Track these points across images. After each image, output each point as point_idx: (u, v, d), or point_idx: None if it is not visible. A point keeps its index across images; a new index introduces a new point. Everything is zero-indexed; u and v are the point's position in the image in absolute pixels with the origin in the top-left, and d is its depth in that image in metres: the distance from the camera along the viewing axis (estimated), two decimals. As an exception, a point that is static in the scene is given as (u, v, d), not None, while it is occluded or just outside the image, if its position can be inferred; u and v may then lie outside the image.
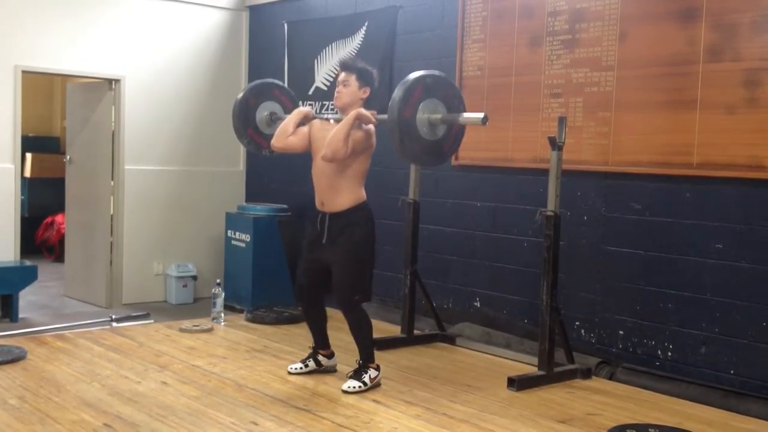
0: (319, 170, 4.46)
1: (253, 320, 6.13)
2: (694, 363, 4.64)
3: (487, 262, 5.79)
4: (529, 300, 5.38)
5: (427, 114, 4.25)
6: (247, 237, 7.07)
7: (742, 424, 4.10)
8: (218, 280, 6.28)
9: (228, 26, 7.89)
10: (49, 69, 7.10)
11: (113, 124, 7.31)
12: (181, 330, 5.75)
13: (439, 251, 6.07)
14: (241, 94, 5.17)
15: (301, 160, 4.61)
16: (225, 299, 6.22)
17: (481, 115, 4.26)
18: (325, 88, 7.02)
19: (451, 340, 5.57)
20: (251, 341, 5.52)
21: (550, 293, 4.66)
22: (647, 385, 4.64)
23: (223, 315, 6.10)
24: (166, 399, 4.17)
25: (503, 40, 5.63)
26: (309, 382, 4.55)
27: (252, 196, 7.98)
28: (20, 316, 6.57)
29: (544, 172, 4.85)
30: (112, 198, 7.34)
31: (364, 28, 6.69)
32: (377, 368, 4.52)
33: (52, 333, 5.81)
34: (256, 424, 3.83)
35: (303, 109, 4.71)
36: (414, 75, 4.26)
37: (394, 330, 5.71)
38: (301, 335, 5.73)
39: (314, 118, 4.66)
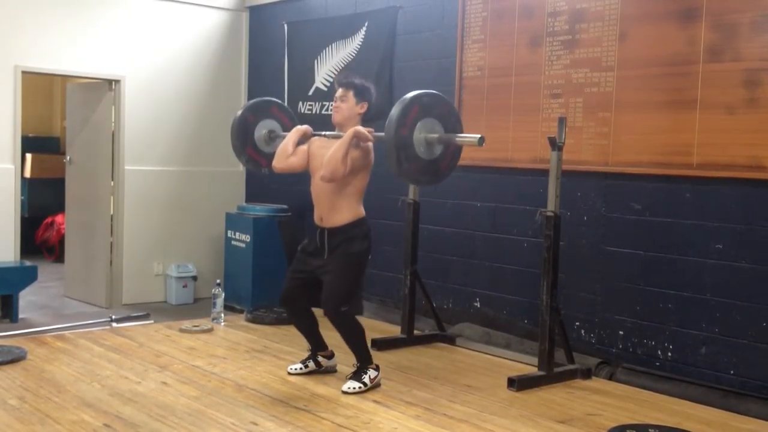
0: (318, 188, 4.46)
1: (253, 320, 6.13)
2: (694, 363, 4.64)
3: (487, 262, 5.79)
4: (529, 300, 5.38)
5: (424, 133, 4.25)
6: (247, 237, 7.07)
7: (742, 424, 4.10)
8: (218, 281, 6.28)
9: (228, 27, 7.89)
10: (49, 69, 7.11)
11: (113, 124, 7.31)
12: (181, 330, 5.75)
13: (439, 251, 6.07)
14: (239, 112, 5.15)
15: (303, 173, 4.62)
16: (225, 299, 6.22)
17: (477, 136, 4.25)
18: (325, 89, 7.02)
19: (451, 340, 5.57)
20: (251, 341, 5.52)
21: (550, 293, 4.66)
22: (647, 386, 4.64)
23: (223, 315, 6.10)
24: (166, 399, 4.17)
25: (503, 41, 5.63)
26: (309, 382, 4.55)
27: (252, 196, 7.99)
28: (20, 316, 6.57)
29: (544, 173, 4.85)
30: (112, 198, 7.34)
31: (364, 28, 6.69)
32: (376, 368, 4.52)
33: (52, 333, 5.81)
34: (256, 424, 3.84)
35: (301, 127, 4.68)
36: (411, 94, 4.28)
37: (394, 330, 5.71)
38: (301, 335, 5.73)
39: (313, 135, 4.66)
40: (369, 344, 5.19)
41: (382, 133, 4.26)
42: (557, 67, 5.30)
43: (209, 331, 5.81)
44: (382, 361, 4.87)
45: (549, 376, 4.64)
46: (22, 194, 7.38)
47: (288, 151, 4.55)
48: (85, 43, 7.12)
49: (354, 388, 4.37)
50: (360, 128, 4.36)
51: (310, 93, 7.21)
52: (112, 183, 7.33)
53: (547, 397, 4.40)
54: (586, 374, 4.78)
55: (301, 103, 7.26)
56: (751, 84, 4.38)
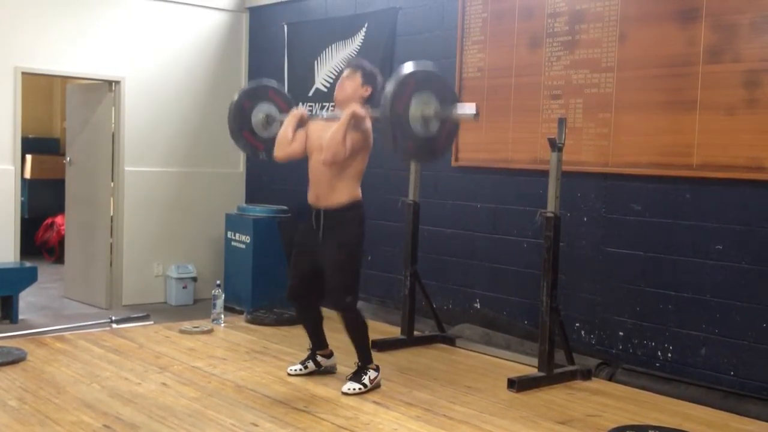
0: (317, 168, 4.44)
1: (252, 321, 6.13)
2: (694, 364, 4.64)
3: (487, 263, 5.79)
4: (529, 301, 5.38)
5: (420, 108, 4.23)
6: (247, 238, 7.07)
7: (742, 425, 4.10)
8: (218, 282, 6.28)
9: (228, 27, 7.89)
10: (48, 70, 7.10)
11: (113, 125, 7.31)
12: (181, 331, 5.75)
13: (439, 252, 6.07)
14: (235, 97, 5.13)
15: (301, 161, 4.60)
16: (225, 300, 6.21)
17: (473, 109, 4.25)
18: (326, 90, 7.02)
19: (451, 341, 5.57)
20: (251, 342, 5.52)
21: (550, 294, 4.66)
22: (647, 386, 4.64)
23: (222, 316, 6.10)
24: (166, 400, 4.17)
25: (503, 41, 5.63)
26: (309, 383, 4.55)
27: (252, 197, 7.99)
28: (20, 317, 6.57)
29: (544, 173, 4.85)
30: (112, 199, 7.34)
31: (364, 29, 6.70)
32: (376, 369, 4.52)
33: (52, 334, 5.81)
34: (255, 425, 3.83)
35: (297, 112, 4.67)
36: (406, 69, 4.23)
37: (394, 331, 5.71)
38: (301, 336, 5.71)
39: (310, 118, 4.65)
40: (370, 345, 5.21)
41: (378, 112, 4.23)
42: (557, 68, 5.30)
43: (209, 332, 5.80)
44: (382, 362, 4.87)
45: (549, 377, 4.64)
46: (22, 195, 7.38)
47: (288, 138, 4.54)
48: (85, 44, 7.12)
49: (354, 389, 4.37)
50: (357, 107, 4.33)
51: (310, 94, 7.21)
52: (112, 184, 7.33)
53: (547, 398, 4.40)
54: (586, 375, 4.78)
55: (301, 104, 7.25)
56: (751, 85, 4.38)
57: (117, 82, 7.27)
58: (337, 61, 6.94)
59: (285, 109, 5.08)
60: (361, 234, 4.46)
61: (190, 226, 7.74)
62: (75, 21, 7.06)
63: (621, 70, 4.97)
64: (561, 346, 4.81)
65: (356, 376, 4.45)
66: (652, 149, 4.82)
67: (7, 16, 6.73)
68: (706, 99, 4.56)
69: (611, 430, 3.89)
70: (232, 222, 7.29)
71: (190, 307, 7.35)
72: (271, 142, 4.99)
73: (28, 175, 9.81)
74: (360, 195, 4.45)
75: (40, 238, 9.84)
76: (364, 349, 4.52)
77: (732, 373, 4.48)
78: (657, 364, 4.80)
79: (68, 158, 7.82)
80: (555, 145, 4.65)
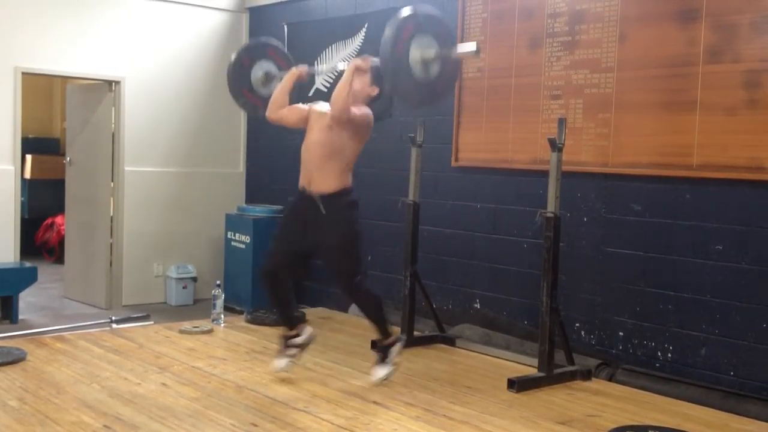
0: (311, 149, 4.41)
1: (253, 321, 6.12)
2: (694, 364, 4.64)
3: (487, 263, 5.79)
4: (529, 301, 5.38)
5: (420, 51, 4.22)
6: (246, 238, 7.07)
7: (742, 425, 4.09)
8: (218, 282, 6.28)
9: (228, 28, 7.90)
10: (48, 70, 7.11)
11: (113, 125, 7.32)
12: (181, 331, 5.75)
13: (439, 252, 6.07)
14: (234, 55, 5.13)
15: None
16: (225, 300, 6.21)
17: (473, 45, 4.25)
18: (326, 90, 7.02)
19: (451, 341, 5.57)
20: (251, 342, 5.51)
21: (550, 294, 4.66)
22: (647, 387, 4.64)
23: (222, 316, 6.09)
24: (166, 400, 4.16)
25: (503, 42, 5.63)
26: (309, 383, 4.55)
27: (252, 197, 7.99)
28: (20, 317, 6.58)
29: (544, 174, 4.85)
30: (112, 199, 7.34)
31: (364, 29, 6.70)
32: (396, 340, 4.60)
33: (52, 334, 5.81)
34: (255, 425, 3.83)
35: (296, 70, 4.66)
36: (404, 12, 4.20)
37: (394, 331, 5.70)
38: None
39: (308, 74, 4.68)
40: (370, 345, 5.22)
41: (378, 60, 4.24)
42: (557, 68, 5.30)
43: (209, 332, 5.80)
44: (382, 362, 4.88)
45: (549, 377, 4.64)
46: (22, 195, 7.38)
47: (279, 101, 4.54)
48: (85, 44, 7.12)
49: (385, 373, 4.49)
50: (357, 60, 4.34)
51: (311, 94, 7.21)
52: (112, 184, 7.33)
53: (547, 399, 4.40)
54: (586, 375, 4.78)
55: (301, 104, 7.25)
56: (751, 85, 4.38)
57: (117, 82, 7.27)
58: (338, 62, 6.93)
59: (285, 66, 5.07)
60: (356, 217, 4.45)
61: (190, 226, 7.74)
62: (75, 21, 7.06)
63: (621, 70, 4.97)
64: (561, 346, 4.80)
65: (381, 359, 4.54)
66: (652, 149, 4.82)
67: (7, 16, 6.73)
68: (706, 99, 4.56)
69: (611, 430, 3.88)
70: (232, 222, 7.29)
71: (190, 307, 7.35)
72: (269, 100, 5.05)
73: (28, 175, 9.82)
74: (350, 183, 4.43)
75: (40, 238, 9.85)
76: (381, 323, 4.59)
77: (732, 373, 4.48)
78: (657, 365, 4.80)
79: (68, 158, 7.82)
80: (555, 146, 4.65)
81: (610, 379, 4.83)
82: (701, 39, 4.58)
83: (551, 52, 5.34)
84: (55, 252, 9.62)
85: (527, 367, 4.90)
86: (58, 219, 9.56)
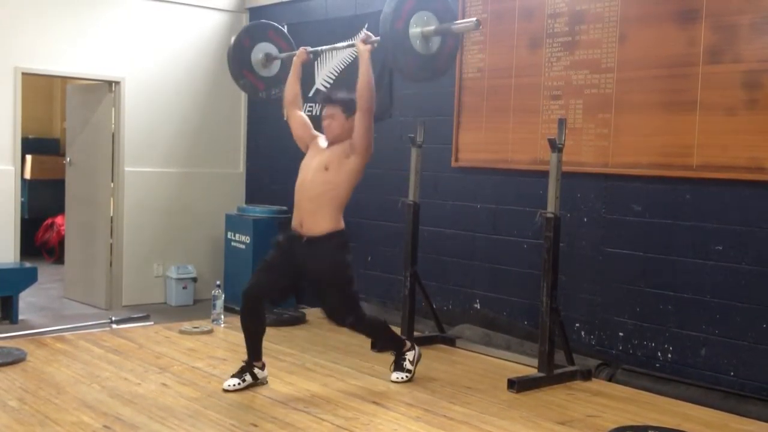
0: (306, 189, 4.38)
1: (253, 322, 6.11)
2: (694, 365, 4.64)
3: (487, 263, 5.79)
4: (529, 301, 5.38)
5: (420, 27, 4.23)
6: (247, 238, 7.07)
7: (742, 425, 4.10)
8: (218, 282, 6.28)
9: (228, 28, 7.89)
10: (48, 71, 7.11)
11: (113, 125, 7.32)
12: (181, 332, 5.75)
13: (439, 253, 6.07)
14: (235, 37, 5.14)
15: (300, 161, 4.60)
16: (225, 301, 6.21)
17: (473, 20, 4.27)
18: (326, 90, 7.02)
19: (451, 341, 5.57)
20: (251, 343, 5.51)
21: (550, 295, 4.66)
22: (647, 387, 4.64)
23: (223, 317, 6.10)
24: (166, 401, 4.16)
25: (503, 42, 5.63)
26: (308, 383, 4.55)
27: (252, 197, 7.99)
28: (20, 317, 6.57)
29: (544, 174, 4.85)
30: (112, 199, 7.34)
31: (365, 29, 6.68)
32: (411, 347, 4.67)
33: (52, 335, 5.81)
34: (255, 425, 3.83)
35: (297, 59, 4.71)
36: None
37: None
38: (301, 337, 5.74)
39: (311, 54, 4.76)
40: (370, 345, 5.21)
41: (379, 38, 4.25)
42: (557, 69, 5.30)
43: (209, 332, 5.80)
44: (382, 363, 4.88)
45: (549, 377, 4.64)
46: (22, 196, 7.38)
47: (290, 90, 4.63)
48: (85, 44, 7.12)
49: (401, 377, 4.59)
50: (362, 46, 4.35)
51: (311, 94, 7.21)
52: (112, 184, 7.33)
53: (547, 399, 4.40)
54: (586, 376, 4.78)
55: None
56: (751, 85, 4.38)
57: (117, 83, 7.27)
58: (338, 62, 6.94)
59: (285, 48, 5.08)
60: (347, 260, 4.40)
61: (190, 227, 7.74)
62: (75, 21, 7.06)
63: (621, 70, 4.97)
64: (561, 346, 4.80)
65: (398, 365, 4.62)
66: (652, 150, 4.82)
67: (7, 16, 6.73)
68: (706, 100, 4.56)
69: (611, 430, 3.88)
70: (232, 222, 7.29)
71: (190, 308, 7.35)
72: (270, 81, 5.06)
73: (28, 175, 9.82)
74: (343, 225, 4.39)
75: (40, 238, 9.84)
76: (392, 341, 4.69)
77: (732, 373, 4.48)
78: (657, 365, 4.80)
79: (68, 158, 7.82)
80: (555, 146, 4.65)
81: (610, 380, 4.83)
82: (701, 39, 4.58)
83: (551, 53, 5.34)
84: (55, 252, 9.61)
85: (527, 368, 4.90)
86: (58, 219, 9.56)
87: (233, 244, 7.23)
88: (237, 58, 5.07)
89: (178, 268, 7.51)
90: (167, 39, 7.56)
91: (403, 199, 5.61)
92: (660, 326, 4.81)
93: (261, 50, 5.11)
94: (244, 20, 7.98)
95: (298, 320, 6.19)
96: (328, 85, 6.98)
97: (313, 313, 6.27)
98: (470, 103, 5.85)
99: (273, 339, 5.61)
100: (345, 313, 4.42)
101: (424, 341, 5.55)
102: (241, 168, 8.13)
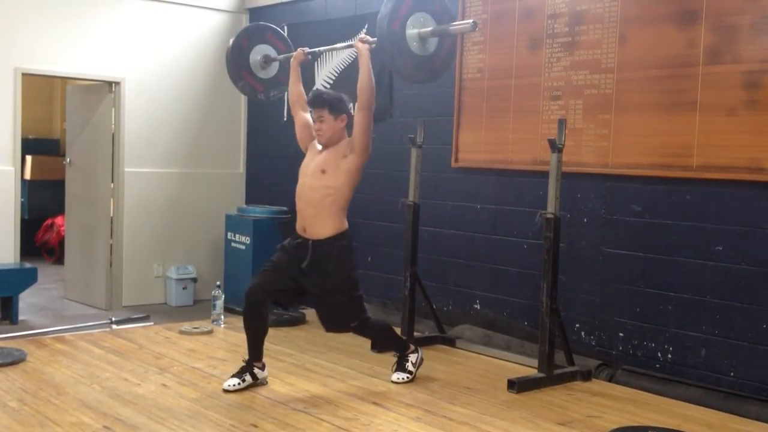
0: (305, 195, 4.38)
1: (253, 322, 6.11)
2: (694, 365, 4.64)
3: (487, 264, 5.79)
4: (529, 302, 5.38)
5: (417, 28, 4.23)
6: (247, 239, 7.07)
7: (742, 426, 4.10)
8: (218, 282, 6.28)
9: (228, 28, 7.89)
10: (49, 71, 7.11)
11: (113, 126, 7.32)
12: (181, 332, 5.75)
13: (439, 253, 6.07)
14: (233, 39, 5.15)
15: (300, 162, 4.60)
16: (225, 301, 6.22)
17: (470, 21, 4.28)
18: (311, 94, 7.00)
19: (451, 342, 5.57)
20: (251, 343, 5.51)
21: (550, 295, 4.66)
22: (647, 387, 4.64)
23: (223, 317, 6.10)
24: (166, 401, 4.16)
25: (503, 43, 5.63)
26: (308, 384, 4.55)
27: (252, 198, 7.99)
28: (20, 318, 6.57)
29: (544, 174, 4.85)
30: (112, 200, 7.34)
31: (365, 30, 6.69)
32: (415, 350, 4.69)
33: (52, 335, 5.81)
34: (255, 426, 3.83)
35: (295, 61, 4.76)
36: None
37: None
38: (302, 337, 5.74)
39: (309, 55, 4.80)
40: (370, 346, 5.22)
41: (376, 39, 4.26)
42: (557, 69, 5.30)
43: (209, 332, 5.80)
44: (382, 363, 4.88)
45: (549, 378, 4.64)
46: (22, 196, 7.38)
47: (293, 92, 4.72)
48: (85, 44, 7.12)
49: (402, 378, 4.59)
50: (361, 45, 4.37)
51: (311, 94, 7.20)
52: (112, 185, 7.33)
53: (547, 399, 4.40)
54: (586, 376, 4.78)
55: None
56: (751, 86, 4.38)
57: (117, 83, 7.27)
58: (338, 62, 6.94)
59: (283, 49, 5.08)
60: (352, 263, 4.42)
61: (190, 227, 7.74)
62: (75, 22, 7.06)
63: (621, 71, 4.97)
64: (561, 347, 4.80)
65: (400, 366, 4.64)
66: (652, 150, 4.82)
67: (7, 17, 6.73)
68: (706, 100, 4.56)
69: (611, 431, 3.89)
70: (232, 223, 7.29)
71: (190, 308, 7.35)
72: (269, 82, 5.06)
73: (28, 175, 9.82)
74: (347, 226, 4.39)
75: (40, 239, 9.84)
76: (395, 343, 4.72)
77: (732, 374, 4.48)
78: (657, 365, 4.80)
79: (68, 159, 7.82)
80: (555, 146, 4.65)
81: (610, 380, 4.83)
82: (701, 40, 4.58)
83: (551, 53, 5.34)
84: (55, 253, 9.61)
85: (527, 368, 4.90)
86: (58, 220, 9.56)
87: (233, 244, 7.23)
88: (235, 60, 5.07)
89: (178, 269, 7.51)
90: (167, 39, 7.56)
91: (403, 199, 5.61)
92: (660, 327, 4.81)
93: (259, 52, 5.12)
94: (244, 21, 7.98)
95: (298, 321, 6.20)
96: (329, 86, 6.98)
97: (313, 314, 6.26)
98: (470, 103, 5.85)
99: (273, 339, 5.60)
100: (350, 317, 4.44)
101: (424, 341, 5.55)
102: (241, 168, 8.13)
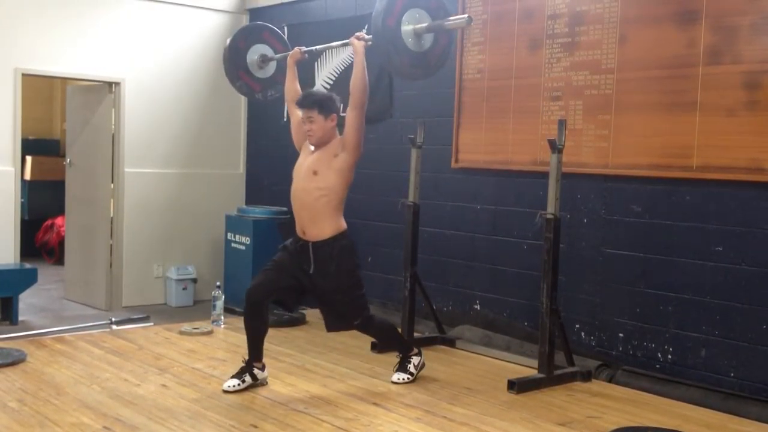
0: (300, 197, 4.39)
1: (252, 323, 6.11)
2: (694, 366, 4.64)
3: (487, 264, 5.79)
4: (529, 302, 5.38)
5: (412, 25, 4.23)
6: (246, 239, 7.07)
7: (742, 426, 4.10)
8: (218, 283, 6.28)
9: (228, 29, 7.88)
10: (49, 71, 7.11)
11: (113, 126, 7.32)
12: (181, 332, 5.75)
13: (439, 254, 6.07)
14: (230, 39, 5.15)
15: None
16: (225, 302, 6.22)
17: (464, 16, 4.29)
18: (300, 95, 7.01)
19: (451, 342, 5.57)
20: (251, 344, 5.51)
21: (550, 296, 4.66)
22: (647, 388, 4.64)
23: (223, 317, 6.10)
24: (166, 402, 4.16)
25: (503, 43, 5.63)
26: (308, 384, 4.55)
27: (252, 198, 7.99)
28: (20, 318, 6.57)
29: (544, 175, 4.85)
30: (112, 200, 7.34)
31: (365, 31, 6.68)
32: (418, 353, 4.69)
33: (52, 336, 5.81)
34: (255, 426, 3.83)
35: (291, 60, 4.76)
36: None
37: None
38: (302, 338, 5.74)
39: (305, 53, 4.79)
40: (370, 347, 5.22)
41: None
42: (557, 70, 5.30)
43: (209, 333, 5.80)
44: (382, 364, 4.88)
45: (549, 378, 4.64)
46: (22, 197, 7.38)
47: (289, 90, 4.70)
48: (85, 45, 7.12)
49: (402, 378, 4.59)
50: (356, 42, 4.39)
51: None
52: (112, 185, 7.33)
53: (547, 400, 4.40)
54: (586, 377, 4.78)
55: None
56: (751, 86, 4.38)
57: (117, 84, 7.27)
58: (338, 63, 6.94)
59: (280, 49, 5.08)
60: (356, 261, 4.44)
61: (190, 228, 7.74)
62: (75, 22, 7.06)
63: (621, 71, 4.97)
64: (561, 347, 4.80)
65: (402, 366, 4.64)
66: (652, 151, 4.82)
67: (7, 17, 6.73)
68: (706, 100, 4.56)
69: (611, 431, 3.88)
70: (232, 223, 7.29)
71: (190, 309, 7.35)
72: (266, 82, 5.06)
73: (28, 176, 9.82)
74: (345, 225, 4.39)
75: (40, 239, 9.84)
76: (398, 343, 4.75)
77: (732, 374, 4.48)
78: (657, 366, 4.80)
79: (68, 159, 7.82)
80: (555, 147, 4.65)
81: (610, 381, 4.83)
82: (701, 40, 4.58)
83: (551, 54, 5.34)
84: (55, 253, 9.61)
85: (527, 369, 4.90)
86: (58, 220, 9.55)
87: (233, 245, 7.23)
88: (233, 59, 5.07)
89: (178, 269, 7.51)
90: (167, 40, 7.56)
91: (403, 200, 5.61)
92: (660, 327, 4.81)
93: (256, 52, 5.13)
94: (244, 21, 7.98)
95: (298, 321, 6.20)
96: (329, 87, 6.98)
97: (314, 314, 6.27)
98: (470, 104, 5.85)
99: (273, 340, 5.60)
100: (353, 316, 4.44)
101: (425, 342, 5.55)
102: (241, 169, 8.13)
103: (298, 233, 4.42)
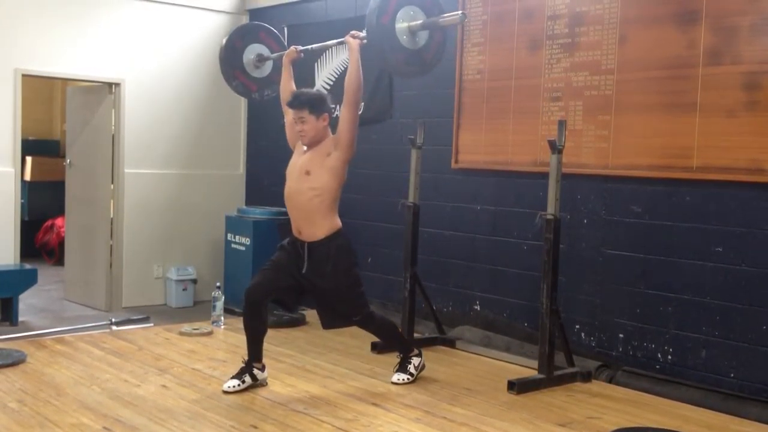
0: (293, 198, 4.38)
1: (252, 323, 6.11)
2: (694, 366, 4.64)
3: (487, 265, 5.79)
4: (529, 303, 5.38)
5: (407, 22, 4.24)
6: (246, 240, 7.07)
7: (742, 427, 4.10)
8: (218, 283, 6.28)
9: (228, 30, 7.87)
10: (49, 72, 7.11)
11: (113, 127, 7.31)
12: (181, 333, 5.75)
13: (439, 254, 6.07)
14: (226, 38, 5.16)
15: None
16: (225, 302, 6.22)
17: (458, 13, 4.31)
18: (328, 87, 7.02)
19: (451, 343, 5.57)
20: (251, 344, 5.50)
21: (550, 296, 4.66)
22: (647, 389, 4.64)
23: (223, 318, 6.10)
24: (166, 402, 4.16)
25: (503, 44, 5.63)
26: (308, 385, 4.55)
27: (252, 199, 7.99)
28: (20, 319, 6.57)
29: (544, 176, 4.85)
30: (112, 201, 7.34)
31: (365, 31, 6.68)
32: (418, 354, 4.70)
33: (52, 336, 5.81)
34: (255, 427, 3.83)
35: (287, 59, 4.77)
36: None
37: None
38: (302, 338, 5.74)
39: (302, 52, 4.80)
40: (370, 347, 5.22)
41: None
42: (557, 70, 5.30)
43: (209, 334, 5.81)
44: (382, 365, 4.88)
45: (549, 379, 4.64)
46: (22, 197, 7.38)
47: (284, 88, 4.69)
48: (85, 46, 7.12)
49: (402, 379, 4.59)
50: (351, 40, 4.43)
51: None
52: (112, 186, 7.33)
53: (547, 400, 4.40)
54: (586, 377, 4.78)
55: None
56: (751, 87, 4.38)
57: (117, 84, 7.27)
58: (338, 63, 6.94)
59: (276, 49, 5.08)
60: (354, 259, 4.44)
61: (189, 228, 7.74)
62: (75, 23, 7.06)
63: (621, 72, 4.97)
64: (561, 348, 4.80)
65: (402, 367, 4.64)
66: (652, 151, 4.82)
67: (7, 17, 6.73)
68: (706, 101, 4.56)
69: (611, 432, 3.89)
70: (232, 224, 7.29)
71: (190, 309, 7.35)
72: (263, 82, 5.07)
73: (28, 177, 9.81)
74: (340, 224, 4.39)
75: (40, 240, 9.84)
76: (399, 342, 4.75)
77: (732, 375, 4.48)
78: (657, 366, 4.80)
79: (68, 160, 7.82)
80: (555, 147, 4.65)
81: (610, 381, 4.83)
82: (701, 41, 4.58)
83: (551, 54, 5.34)
84: (55, 254, 9.61)
85: (527, 369, 4.90)
86: (58, 221, 9.55)
87: (233, 245, 7.22)
88: (229, 59, 5.07)
89: (178, 270, 7.51)
90: (167, 41, 7.56)
91: (403, 200, 5.61)
92: (660, 328, 4.81)
93: (252, 51, 5.13)
94: (244, 22, 7.98)
95: (298, 322, 6.20)
96: (329, 87, 6.98)
97: (313, 315, 6.26)
98: (470, 104, 5.85)
99: (273, 340, 5.60)
100: (351, 314, 4.45)
101: (425, 343, 5.55)
102: (241, 169, 8.13)
103: (294, 233, 4.42)
